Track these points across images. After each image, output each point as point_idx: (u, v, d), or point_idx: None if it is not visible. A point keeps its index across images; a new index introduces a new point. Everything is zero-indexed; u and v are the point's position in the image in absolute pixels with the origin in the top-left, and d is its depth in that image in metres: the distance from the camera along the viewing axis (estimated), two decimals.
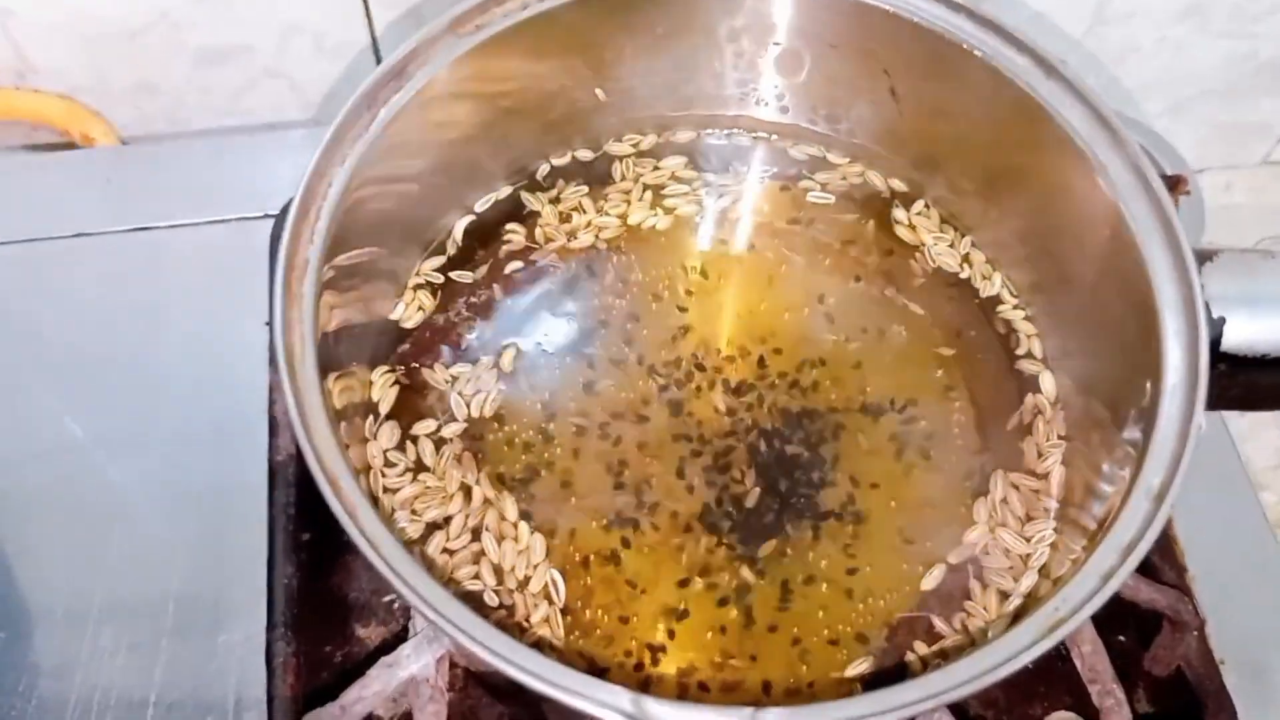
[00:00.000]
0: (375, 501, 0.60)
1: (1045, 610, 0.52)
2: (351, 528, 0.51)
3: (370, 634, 0.67)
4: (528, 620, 0.62)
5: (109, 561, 0.67)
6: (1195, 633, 0.66)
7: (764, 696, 0.61)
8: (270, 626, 0.63)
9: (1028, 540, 0.64)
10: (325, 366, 0.57)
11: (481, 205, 0.74)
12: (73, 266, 0.78)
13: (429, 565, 0.62)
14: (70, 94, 0.89)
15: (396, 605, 0.68)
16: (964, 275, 0.74)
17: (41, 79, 0.88)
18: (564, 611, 0.62)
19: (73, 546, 0.68)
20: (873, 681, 0.61)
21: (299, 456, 0.67)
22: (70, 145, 0.90)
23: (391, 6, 0.85)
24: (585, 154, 0.77)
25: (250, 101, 0.91)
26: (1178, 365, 0.58)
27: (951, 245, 0.74)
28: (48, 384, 0.73)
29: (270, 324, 0.55)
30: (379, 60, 0.89)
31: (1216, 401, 0.58)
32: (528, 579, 0.63)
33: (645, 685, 0.61)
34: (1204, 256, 0.60)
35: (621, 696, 0.49)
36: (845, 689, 0.61)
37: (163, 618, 0.65)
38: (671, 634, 0.62)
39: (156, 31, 0.85)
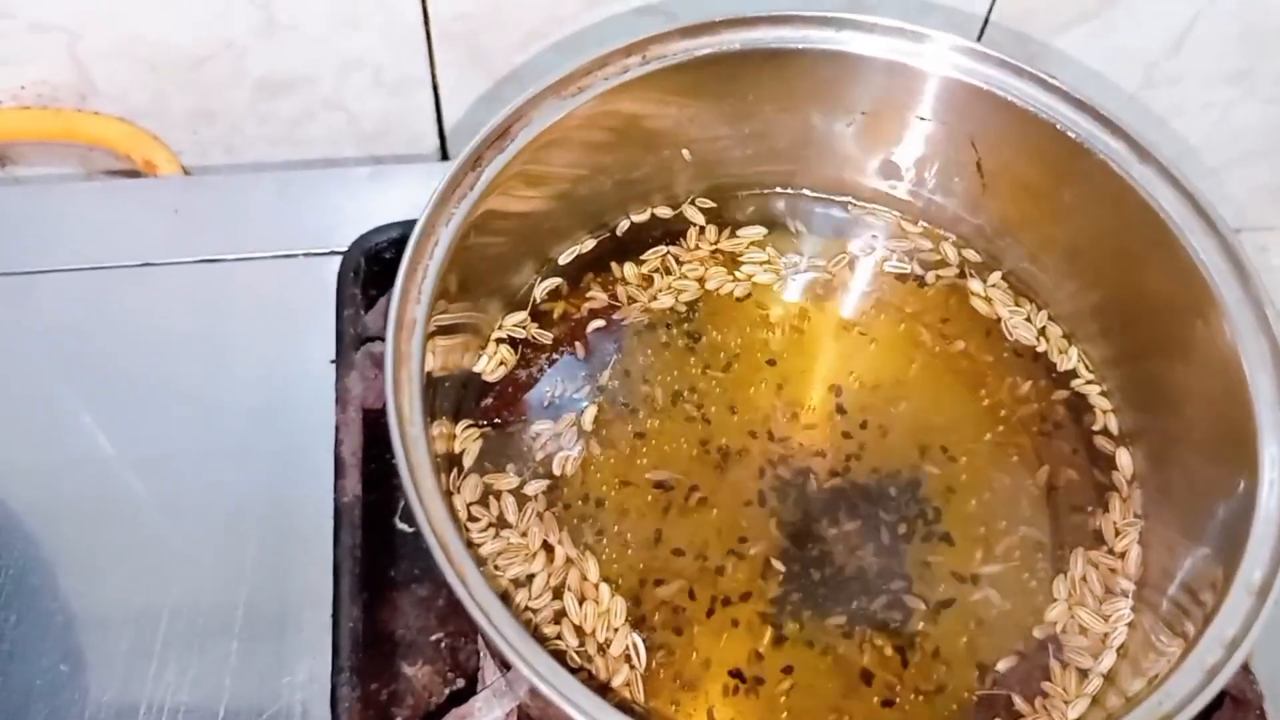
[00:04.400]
0: None
1: (1149, 705, 0.52)
2: (463, 592, 0.51)
3: (416, 673, 0.67)
4: (609, 683, 0.61)
5: (171, 594, 0.67)
6: (1257, 711, 0.66)
7: None
8: (335, 670, 0.63)
9: (1106, 619, 0.65)
10: None
11: (564, 259, 0.75)
12: (139, 295, 0.78)
13: None
14: (129, 118, 0.89)
15: (444, 644, 0.68)
16: (1040, 349, 0.74)
17: (101, 102, 0.88)
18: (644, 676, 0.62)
19: (134, 580, 0.68)
20: None
21: (364, 499, 0.67)
22: (128, 170, 0.90)
23: (452, 42, 0.85)
24: (665, 211, 0.77)
25: (306, 132, 0.92)
26: (1276, 460, 0.58)
27: (1028, 318, 0.75)
28: (111, 414, 0.73)
29: (384, 388, 0.55)
30: (437, 95, 0.89)
31: None
32: (609, 642, 0.63)
33: None
34: None
35: None
36: None
37: (226, 655, 0.66)
38: (744, 701, 0.62)
39: (220, 60, 0.85)
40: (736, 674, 0.63)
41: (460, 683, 0.67)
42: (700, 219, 0.77)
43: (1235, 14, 0.86)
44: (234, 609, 0.67)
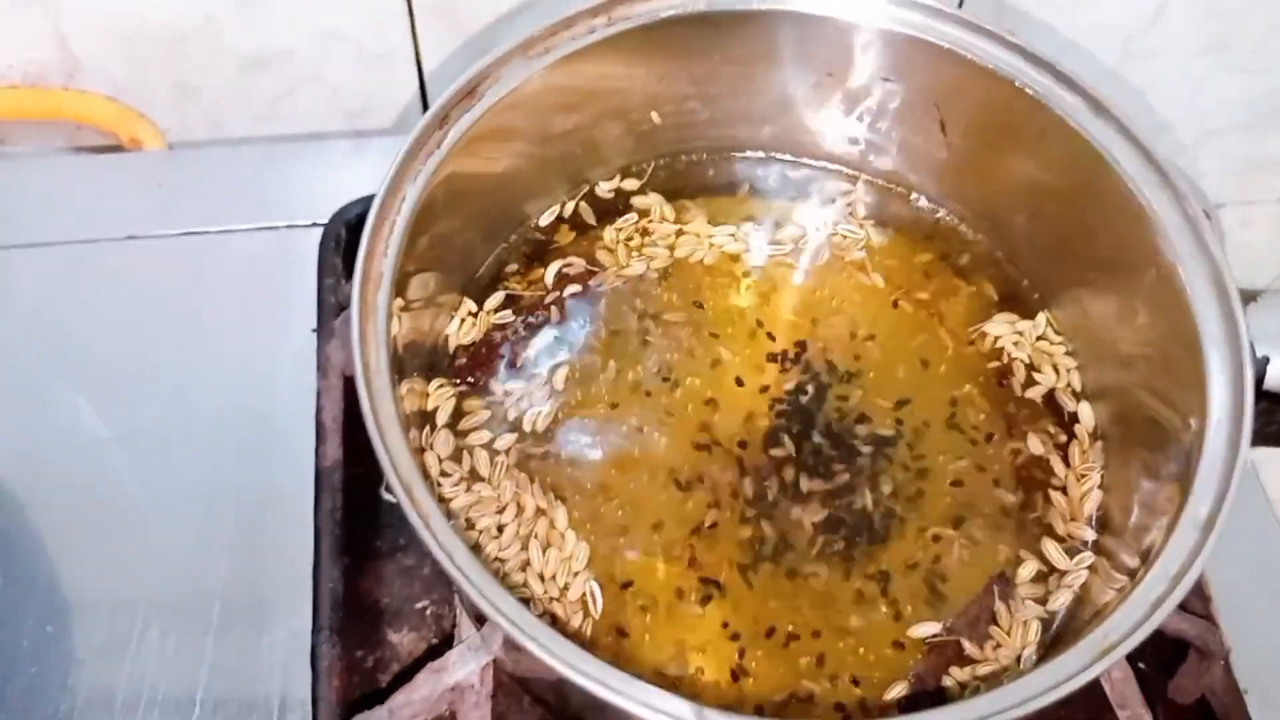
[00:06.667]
0: None
1: (1095, 636, 0.53)
2: (427, 536, 0.52)
3: (401, 639, 0.68)
4: (565, 629, 0.62)
5: (154, 560, 0.68)
6: (1221, 662, 0.67)
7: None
8: (316, 629, 0.64)
9: (1066, 559, 0.66)
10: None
11: (536, 223, 0.76)
12: (124, 268, 0.79)
13: None
14: (113, 95, 0.90)
15: (429, 612, 0.69)
16: (1002, 309, 0.75)
17: (86, 79, 0.89)
18: (599, 622, 0.63)
19: (118, 545, 0.69)
20: (909, 706, 0.62)
21: (345, 463, 0.68)
22: (113, 147, 0.91)
23: (435, 16, 0.86)
24: (631, 183, 0.78)
25: (289, 107, 0.92)
26: (1223, 401, 0.59)
27: (990, 278, 0.76)
28: (94, 384, 0.74)
29: (349, 337, 0.56)
30: (420, 70, 0.90)
31: (1255, 438, 0.58)
32: (567, 586, 0.64)
33: None
34: (1248, 297, 0.61)
35: (684, 707, 0.49)
36: (883, 713, 0.62)
37: (208, 616, 0.67)
38: (704, 651, 0.63)
39: (201, 35, 0.86)
40: (698, 622, 0.64)
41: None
42: (659, 202, 0.78)
43: None
44: (215, 573, 0.68)
